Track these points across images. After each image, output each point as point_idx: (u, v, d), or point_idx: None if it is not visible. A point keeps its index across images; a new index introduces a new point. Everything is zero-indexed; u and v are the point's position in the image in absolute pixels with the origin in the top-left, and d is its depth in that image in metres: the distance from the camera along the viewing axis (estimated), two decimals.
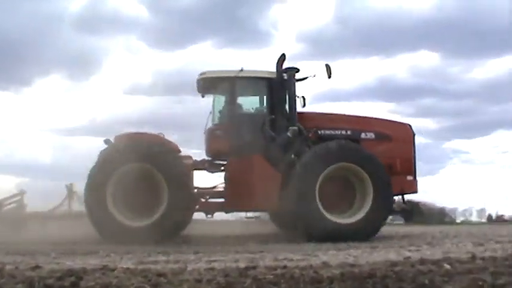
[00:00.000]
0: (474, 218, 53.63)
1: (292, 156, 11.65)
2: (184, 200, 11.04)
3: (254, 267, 5.60)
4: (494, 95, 40.30)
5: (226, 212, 12.51)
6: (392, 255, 7.15)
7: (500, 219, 35.43)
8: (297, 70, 12.16)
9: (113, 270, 5.40)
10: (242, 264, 5.93)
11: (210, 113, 12.91)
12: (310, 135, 11.94)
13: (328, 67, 11.94)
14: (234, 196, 11.60)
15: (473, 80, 38.79)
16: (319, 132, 12.06)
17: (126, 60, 60.33)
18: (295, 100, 12.04)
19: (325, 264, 6.05)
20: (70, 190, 12.64)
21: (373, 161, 11.40)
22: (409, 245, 9.05)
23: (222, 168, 12.32)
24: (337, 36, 36.67)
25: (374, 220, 11.26)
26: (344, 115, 12.91)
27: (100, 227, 10.75)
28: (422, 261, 5.92)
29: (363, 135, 12.24)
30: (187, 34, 55.11)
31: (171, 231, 11.03)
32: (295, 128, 11.69)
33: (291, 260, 6.86)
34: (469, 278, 4.46)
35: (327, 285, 4.48)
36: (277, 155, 11.60)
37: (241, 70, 12.13)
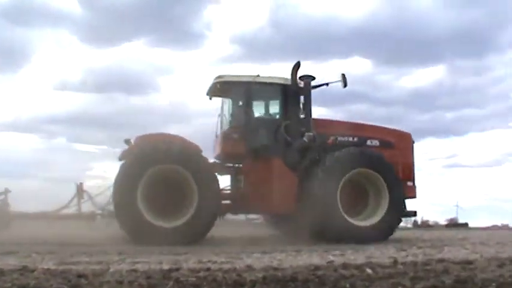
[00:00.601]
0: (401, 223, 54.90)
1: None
2: (214, 202, 11.26)
3: (177, 269, 5.55)
4: (421, 103, 41.49)
5: (236, 214, 12.82)
6: (316, 260, 7.18)
7: (425, 225, 36.44)
8: (313, 78, 12.54)
9: (33, 271, 5.26)
10: (166, 266, 5.86)
11: (219, 116, 13.34)
12: (330, 141, 12.31)
13: (343, 76, 12.49)
14: (253, 198, 11.85)
15: (402, 88, 39.81)
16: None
17: (57, 55, 58.71)
18: (310, 107, 12.43)
19: (249, 268, 6.05)
20: (80, 189, 12.20)
21: (390, 168, 12.15)
22: (333, 249, 9.11)
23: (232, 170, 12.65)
24: (271, 39, 36.89)
25: (390, 222, 11.99)
26: (352, 123, 13.35)
27: (129, 228, 10.78)
28: (345, 266, 5.96)
29: (368, 142, 12.76)
30: (121, 31, 54.12)
31: (201, 232, 11.14)
32: (311, 134, 12.12)
33: (215, 262, 6.84)
34: (389, 283, 4.50)
35: None
36: (294, 159, 12.05)
37: (258, 76, 12.53)
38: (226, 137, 12.37)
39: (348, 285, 4.47)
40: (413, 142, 13.42)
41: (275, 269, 5.83)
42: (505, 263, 5.96)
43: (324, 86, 12.92)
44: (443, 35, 34.86)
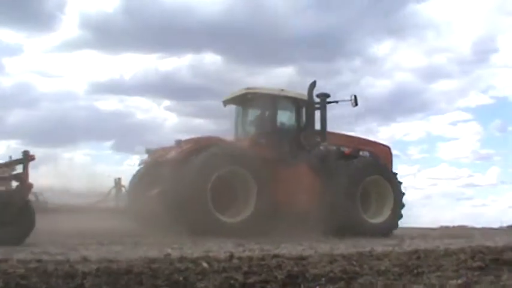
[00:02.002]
0: None
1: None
2: (271, 199, 12.67)
3: (6, 261, 5.28)
4: None
5: None
6: (154, 252, 7.08)
7: None
8: (328, 95, 14.55)
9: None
10: None
11: (236, 123, 15.14)
12: (347, 152, 14.60)
13: (355, 97, 14.38)
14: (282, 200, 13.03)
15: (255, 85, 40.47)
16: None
17: None
18: (325, 120, 14.42)
19: (84, 259, 5.86)
20: (118, 184, 12.71)
21: (395, 176, 14.80)
22: (172, 242, 9.05)
23: None
24: (124, 28, 35.90)
25: (394, 219, 14.46)
26: (348, 135, 15.78)
27: (197, 222, 11.75)
28: (181, 259, 5.88)
29: (361, 152, 14.83)
30: None
31: (260, 226, 12.21)
32: (326, 143, 14.20)
33: (49, 253, 6.65)
34: (222, 277, 4.47)
35: (80, 280, 4.22)
36: (316, 165, 13.65)
37: (283, 90, 14.34)
38: (251, 143, 13.77)
39: (181, 279, 4.37)
40: (391, 154, 16.09)
41: (110, 261, 5.67)
42: (337, 259, 6.17)
43: (334, 103, 14.83)
44: (295, 37, 35.94)
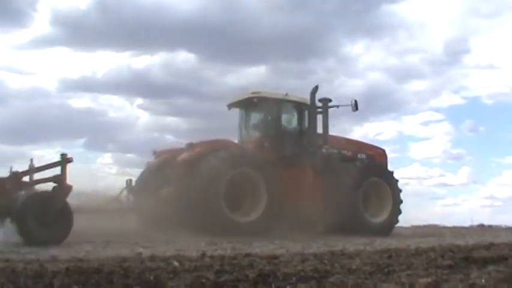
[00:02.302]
0: None
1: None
2: (279, 200, 13.06)
3: None
4: None
5: None
6: (125, 251, 7.04)
7: None
8: (330, 100, 14.69)
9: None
10: None
11: (240, 126, 15.55)
12: (349, 154, 15.29)
13: (355, 102, 14.71)
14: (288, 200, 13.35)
15: (226, 85, 40.36)
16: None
17: None
18: (327, 124, 14.51)
19: (53, 258, 5.83)
20: (129, 185, 12.67)
21: (393, 176, 15.39)
22: (144, 241, 9.00)
23: None
24: (96, 25, 35.45)
25: (393, 219, 15.08)
26: (349, 139, 16.26)
27: (210, 222, 11.93)
28: (153, 258, 5.87)
29: (359, 155, 15.47)
30: None
31: (270, 225, 12.70)
32: (327, 146, 14.62)
33: (18, 253, 6.62)
34: (193, 276, 4.46)
35: (49, 279, 4.18)
36: (320, 167, 14.20)
37: (287, 94, 14.71)
38: (259, 145, 14.27)
39: (152, 278, 4.35)
40: (386, 156, 16.64)
41: (80, 260, 5.64)
42: (309, 258, 6.20)
43: (335, 108, 14.97)
44: (269, 36, 35.91)
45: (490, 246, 8.62)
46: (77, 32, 36.16)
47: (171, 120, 46.58)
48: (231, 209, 12.59)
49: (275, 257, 6.17)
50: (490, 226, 23.95)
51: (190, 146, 13.02)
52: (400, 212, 15.21)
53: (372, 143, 17.17)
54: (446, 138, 45.92)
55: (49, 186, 9.56)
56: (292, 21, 37.79)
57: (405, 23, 40.94)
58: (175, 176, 12.69)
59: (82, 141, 41.93)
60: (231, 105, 15.46)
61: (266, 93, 14.67)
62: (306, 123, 14.86)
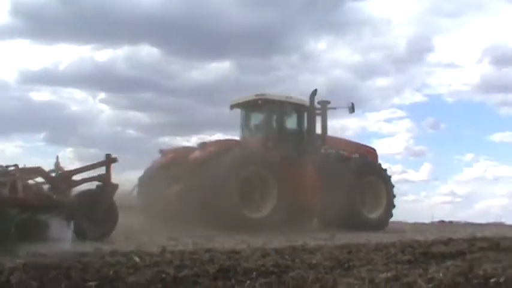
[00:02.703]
0: None
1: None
2: (288, 196, 13.76)
3: None
4: (208, 96, 42.18)
5: None
6: (85, 247, 6.94)
7: None
8: (329, 102, 15.88)
9: None
10: None
11: (241, 126, 16.17)
12: (346, 154, 16.04)
13: (352, 104, 15.80)
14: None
15: (190, 79, 40.08)
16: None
17: None
18: (326, 125, 15.79)
19: (11, 254, 5.80)
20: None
21: (387, 174, 16.38)
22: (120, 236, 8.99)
23: None
24: (58, 17, 34.78)
25: (387, 215, 16.03)
26: (345, 140, 17.28)
27: (226, 218, 12.34)
28: (113, 253, 5.81)
29: (353, 154, 16.25)
30: None
31: (281, 222, 13.30)
32: (326, 146, 15.81)
33: None
34: (154, 271, 4.43)
35: (6, 276, 4.11)
36: (322, 166, 14.89)
37: (290, 97, 15.57)
38: (263, 145, 14.73)
39: (111, 273, 4.31)
40: (377, 156, 17.50)
41: (42, 255, 5.61)
42: (270, 253, 6.22)
43: (332, 110, 16.07)
44: (234, 32, 35.84)
45: (448, 241, 8.78)
46: (38, 24, 35.53)
47: (134, 114, 46.18)
48: (244, 205, 13.23)
49: (236, 252, 6.18)
50: (450, 222, 24.40)
51: (203, 145, 13.83)
52: (393, 207, 16.20)
53: (364, 143, 18.02)
54: (408, 135, 46.57)
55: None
56: (257, 17, 37.81)
57: (370, 20, 41.29)
58: (186, 174, 13.19)
59: (42, 135, 41.38)
60: (234, 106, 16.09)
61: (270, 95, 15.35)
62: (306, 125, 15.68)
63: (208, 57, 46.44)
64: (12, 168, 8.80)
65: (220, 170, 12.83)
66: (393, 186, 16.25)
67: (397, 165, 39.92)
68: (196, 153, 13.49)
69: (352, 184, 15.03)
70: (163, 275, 4.24)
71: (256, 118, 16.22)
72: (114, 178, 10.05)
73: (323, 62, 45.88)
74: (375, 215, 15.71)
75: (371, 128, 49.77)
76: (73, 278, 4.12)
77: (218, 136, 42.56)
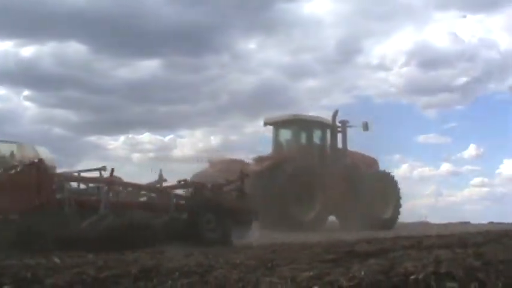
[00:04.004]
0: None
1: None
2: (329, 202, 17.11)
3: None
4: (137, 95, 41.65)
5: None
6: None
7: None
8: (348, 121, 19.14)
9: None
10: None
11: (274, 141, 19.18)
12: (361, 165, 19.22)
13: (366, 123, 18.98)
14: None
15: (119, 78, 39.49)
16: None
17: None
18: (346, 141, 19.18)
19: None
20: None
21: (394, 179, 19.86)
22: None
23: None
24: None
25: (396, 216, 19.54)
26: (358, 153, 19.91)
27: (281, 220, 14.89)
28: (33, 255, 5.69)
29: (364, 165, 19.43)
30: None
31: (324, 222, 16.95)
32: (346, 159, 18.94)
33: None
34: (73, 272, 4.35)
35: None
36: (345, 176, 17.94)
37: (318, 116, 19.29)
38: (300, 158, 17.57)
39: (29, 275, 4.20)
40: (378, 163, 20.43)
41: None
42: (194, 253, 6.21)
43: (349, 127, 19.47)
44: (164, 30, 35.54)
45: (372, 240, 8.97)
46: None
47: (60, 112, 45.07)
48: (297, 209, 16.32)
49: (160, 252, 6.14)
50: None
51: (259, 159, 17.35)
52: (400, 206, 19.44)
53: (367, 154, 20.62)
54: None
55: None
56: (188, 15, 37.66)
57: (300, 21, 41.78)
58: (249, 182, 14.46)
59: None
60: (268, 123, 19.22)
61: (303, 116, 18.84)
62: (329, 140, 19.01)
63: (138, 55, 45.91)
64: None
65: (279, 180, 15.94)
66: (399, 189, 19.64)
67: None
68: (256, 167, 16.59)
69: (368, 191, 18.06)
70: (84, 276, 4.16)
71: (288, 134, 19.50)
72: None
73: (253, 62, 46.26)
74: (385, 215, 18.91)
75: None
76: None
77: (147, 135, 42.39)
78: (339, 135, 19.25)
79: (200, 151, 38.47)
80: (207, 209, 9.84)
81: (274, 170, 16.30)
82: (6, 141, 15.05)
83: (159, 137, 45.48)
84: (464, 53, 44.58)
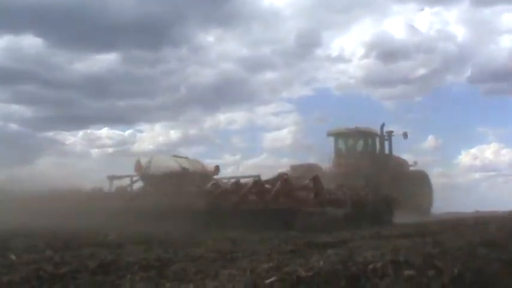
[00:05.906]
0: None
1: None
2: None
3: None
4: (95, 89, 41.22)
5: None
6: None
7: None
8: (392, 132, 23.64)
9: None
10: None
11: (335, 149, 23.78)
12: (402, 168, 24.12)
13: (406, 133, 23.32)
14: None
15: (76, 72, 39.01)
16: None
17: None
18: (391, 149, 23.63)
19: None
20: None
21: (428, 176, 24.93)
22: None
23: None
24: None
25: (431, 204, 24.50)
26: (399, 157, 24.63)
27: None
28: None
29: (403, 167, 24.56)
30: None
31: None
32: (393, 164, 23.49)
33: None
34: (31, 268, 4.29)
35: None
36: (394, 178, 21.52)
37: (370, 128, 23.39)
38: (362, 164, 21.72)
39: None
40: (408, 164, 24.91)
41: None
42: (153, 247, 6.19)
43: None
44: (121, 23, 35.26)
45: (331, 231, 9.07)
46: None
47: (15, 108, 44.20)
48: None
49: (119, 246, 6.10)
50: None
51: (338, 164, 22.22)
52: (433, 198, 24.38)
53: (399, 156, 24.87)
54: (295, 128, 47.53)
55: None
56: (146, 9, 37.41)
57: (259, 14, 41.89)
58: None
59: None
60: (332, 134, 23.77)
61: (363, 128, 23.13)
62: (378, 148, 23.41)
63: (94, 48, 45.40)
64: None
65: (359, 179, 18.32)
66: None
67: (284, 158, 40.63)
68: (339, 169, 21.43)
69: (413, 186, 22.05)
70: (41, 273, 4.11)
71: (348, 143, 23.85)
72: None
73: (212, 54, 46.18)
74: (424, 205, 23.14)
75: (259, 121, 50.52)
76: None
77: (106, 130, 41.80)
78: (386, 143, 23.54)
79: (160, 145, 38.30)
80: (383, 201, 15.06)
81: (351, 177, 18.93)
82: (180, 156, 16.79)
83: (118, 132, 45.12)
84: (423, 45, 45.45)
